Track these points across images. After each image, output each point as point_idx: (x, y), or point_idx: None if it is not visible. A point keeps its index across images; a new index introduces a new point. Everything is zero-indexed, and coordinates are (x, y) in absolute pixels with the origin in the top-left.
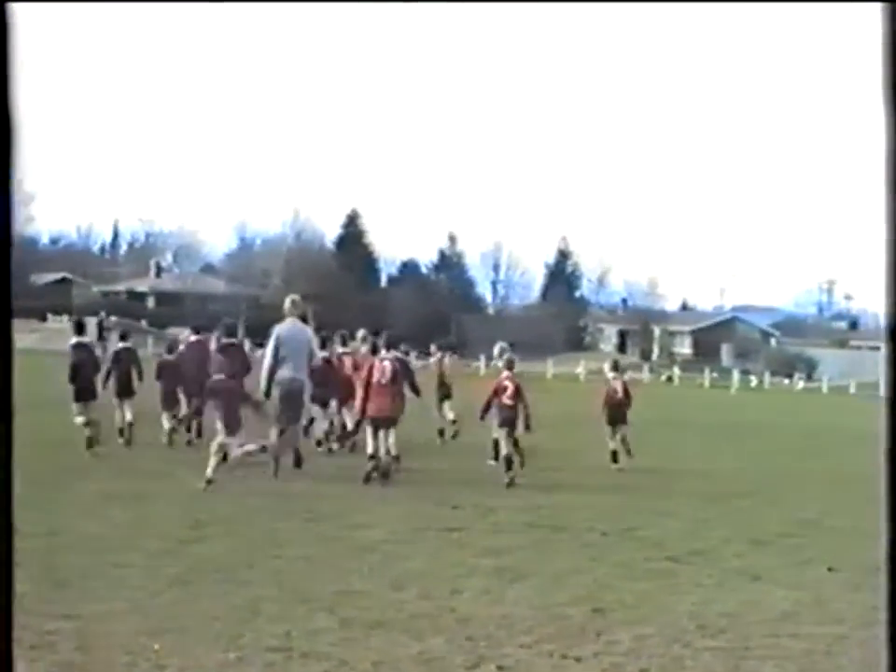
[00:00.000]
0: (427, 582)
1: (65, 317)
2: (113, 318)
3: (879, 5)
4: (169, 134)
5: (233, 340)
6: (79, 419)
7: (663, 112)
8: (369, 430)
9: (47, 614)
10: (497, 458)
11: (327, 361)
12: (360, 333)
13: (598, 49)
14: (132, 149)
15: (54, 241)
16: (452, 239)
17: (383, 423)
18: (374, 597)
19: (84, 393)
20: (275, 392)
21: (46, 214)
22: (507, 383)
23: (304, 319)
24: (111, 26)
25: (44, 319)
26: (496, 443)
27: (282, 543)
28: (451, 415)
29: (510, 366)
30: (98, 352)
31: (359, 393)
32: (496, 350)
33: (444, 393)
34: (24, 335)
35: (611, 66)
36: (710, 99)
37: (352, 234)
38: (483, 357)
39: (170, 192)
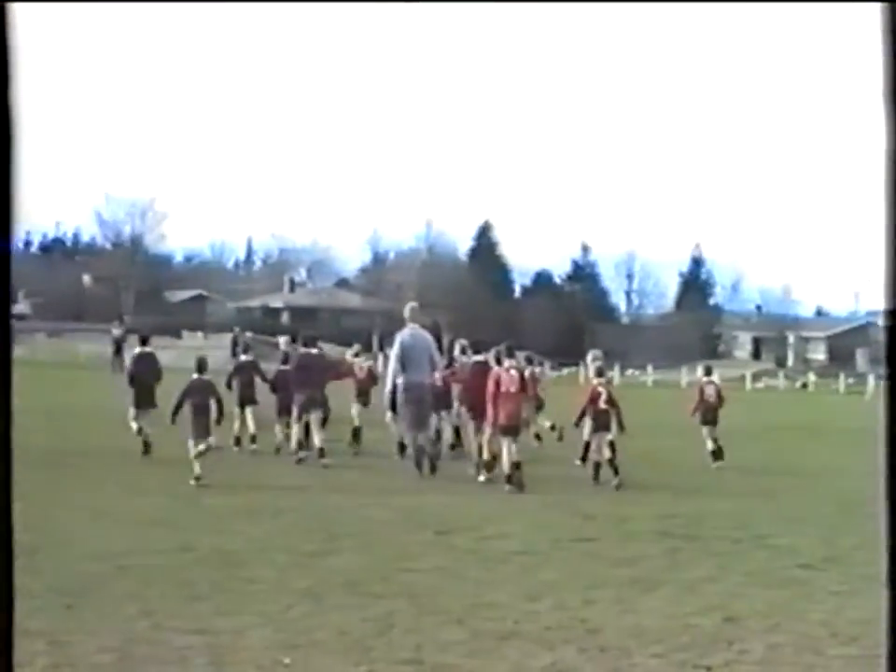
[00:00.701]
0: (560, 593)
1: (200, 334)
2: (248, 334)
3: (879, 5)
4: (300, 150)
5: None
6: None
7: (785, 115)
8: (502, 439)
9: (179, 629)
10: (584, 460)
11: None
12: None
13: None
14: (263, 166)
15: (188, 258)
16: (585, 249)
17: (510, 431)
18: (507, 608)
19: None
20: (403, 397)
21: (178, 232)
22: (600, 389)
23: (433, 327)
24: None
25: (179, 336)
26: (586, 446)
27: (414, 556)
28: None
29: (600, 373)
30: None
31: (488, 403)
32: (588, 358)
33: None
34: (159, 352)
35: (718, 68)
36: (835, 97)
37: (484, 246)
38: (616, 367)
39: (303, 207)
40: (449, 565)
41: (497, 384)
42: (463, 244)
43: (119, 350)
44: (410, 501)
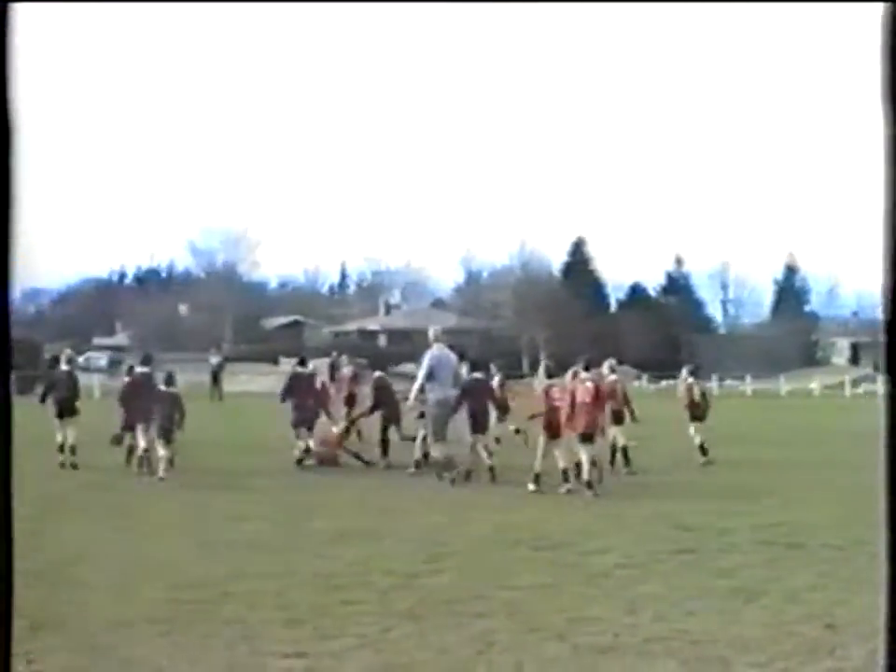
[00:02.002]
0: (661, 606)
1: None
2: (344, 358)
3: (879, 5)
4: (391, 173)
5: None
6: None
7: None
8: (580, 448)
9: (279, 653)
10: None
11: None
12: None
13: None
14: (353, 190)
15: (283, 285)
16: (678, 261)
17: (586, 439)
18: (607, 622)
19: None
20: (434, 410)
21: (271, 259)
22: (617, 387)
23: (460, 350)
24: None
25: (276, 363)
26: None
27: (513, 573)
28: (697, 438)
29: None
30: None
31: (564, 412)
32: (605, 367)
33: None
34: (257, 378)
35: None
36: None
37: (578, 261)
38: (714, 378)
39: (395, 230)
40: (548, 580)
41: (574, 396)
42: (557, 260)
43: (216, 378)
44: (505, 517)
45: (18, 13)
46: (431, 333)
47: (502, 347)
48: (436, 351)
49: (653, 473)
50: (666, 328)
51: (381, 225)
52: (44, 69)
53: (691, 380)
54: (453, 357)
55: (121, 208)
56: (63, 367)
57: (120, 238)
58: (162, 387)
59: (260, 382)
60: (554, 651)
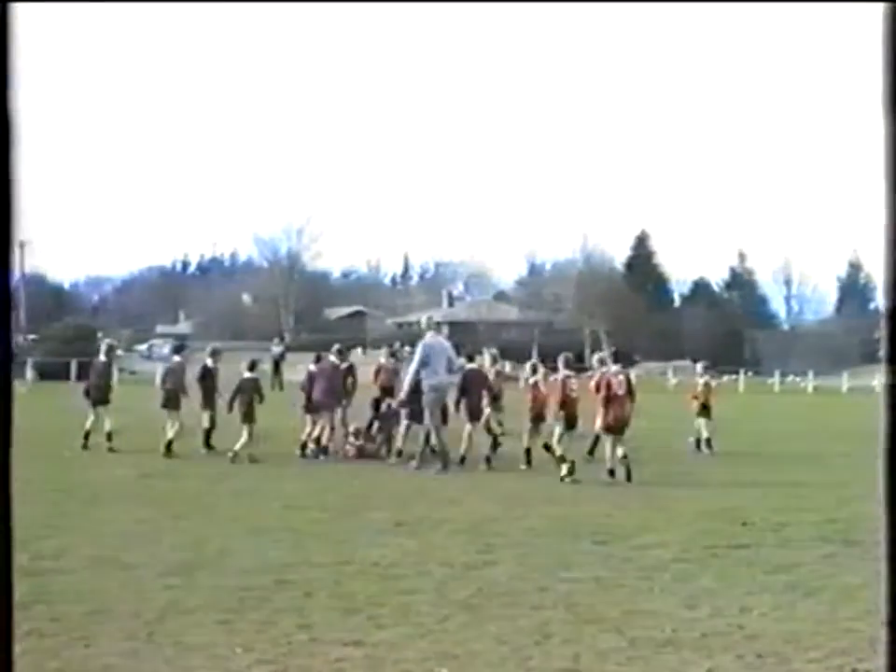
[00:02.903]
0: (718, 600)
1: (359, 350)
2: (407, 349)
3: (879, 5)
4: (456, 167)
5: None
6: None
7: None
8: (608, 438)
9: (336, 642)
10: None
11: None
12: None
13: None
14: (418, 182)
15: (345, 275)
16: (741, 256)
17: (617, 430)
18: (664, 616)
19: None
20: (430, 395)
21: (335, 251)
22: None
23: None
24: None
25: None
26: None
27: (570, 565)
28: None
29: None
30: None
31: (599, 404)
32: (594, 359)
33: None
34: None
35: None
36: None
37: (642, 256)
38: (776, 374)
39: (459, 222)
40: (605, 574)
41: (609, 387)
42: (620, 254)
43: (277, 368)
44: (564, 511)
45: (18, 13)
46: (424, 321)
47: (565, 339)
48: (429, 339)
49: (712, 467)
50: (729, 323)
51: (445, 219)
52: (99, 58)
53: (706, 377)
54: (446, 344)
55: (187, 198)
56: (102, 357)
57: (185, 227)
58: (247, 374)
59: None
60: (612, 643)
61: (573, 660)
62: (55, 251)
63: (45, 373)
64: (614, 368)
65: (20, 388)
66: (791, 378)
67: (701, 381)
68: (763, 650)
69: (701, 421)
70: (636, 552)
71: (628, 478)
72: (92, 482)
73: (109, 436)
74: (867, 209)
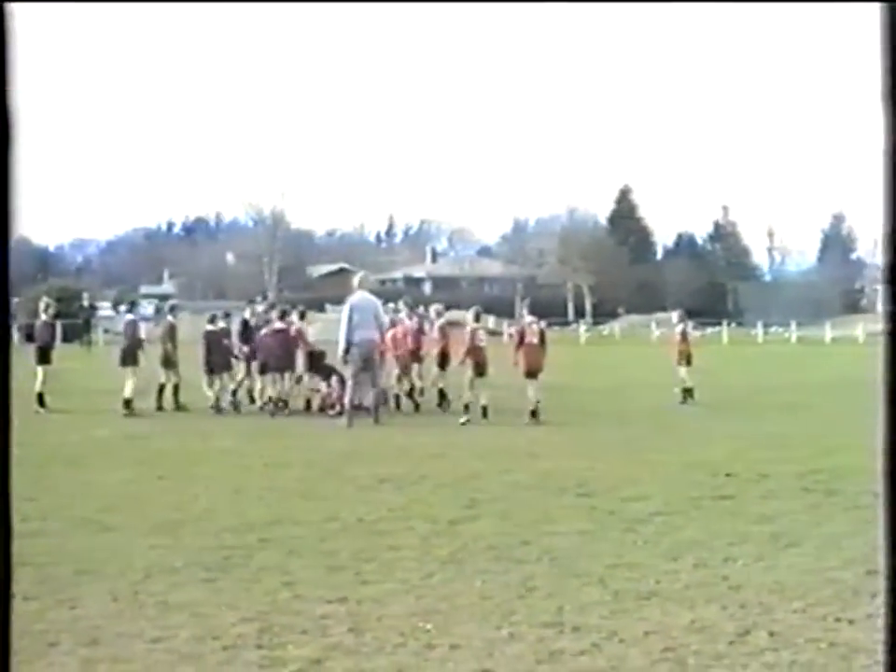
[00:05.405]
0: (701, 552)
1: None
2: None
3: (879, 5)
4: (441, 123)
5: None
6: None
7: None
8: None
9: (320, 598)
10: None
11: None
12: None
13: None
14: (404, 141)
15: (330, 233)
16: (725, 210)
17: (534, 374)
18: (647, 569)
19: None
20: (355, 351)
21: (320, 211)
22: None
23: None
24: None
25: (322, 310)
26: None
27: (554, 519)
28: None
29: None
30: None
31: (515, 351)
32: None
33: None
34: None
35: None
36: None
37: (624, 209)
38: (759, 325)
39: (443, 181)
40: (589, 527)
41: (522, 335)
42: (603, 208)
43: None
44: (546, 465)
45: (17, 13)
46: (356, 280)
47: (548, 294)
48: (356, 297)
49: (695, 419)
50: (712, 275)
51: (430, 177)
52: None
53: (682, 326)
54: (374, 300)
55: (172, 160)
56: (42, 317)
57: (171, 189)
58: (208, 326)
59: (307, 329)
60: (595, 597)
61: (557, 613)
62: (40, 214)
63: (30, 336)
64: (528, 318)
65: None
66: (774, 329)
67: (677, 330)
68: (746, 600)
69: (682, 369)
70: (619, 504)
71: (533, 415)
72: (74, 443)
73: (41, 397)
74: (850, 160)
